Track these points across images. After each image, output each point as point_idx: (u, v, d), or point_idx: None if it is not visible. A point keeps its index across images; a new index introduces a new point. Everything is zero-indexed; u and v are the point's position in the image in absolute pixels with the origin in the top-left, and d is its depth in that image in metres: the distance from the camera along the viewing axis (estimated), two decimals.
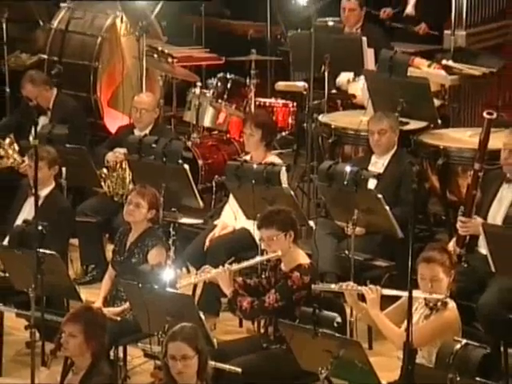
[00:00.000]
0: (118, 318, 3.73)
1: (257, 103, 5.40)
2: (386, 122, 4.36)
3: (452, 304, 3.30)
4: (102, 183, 4.78)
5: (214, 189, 5.08)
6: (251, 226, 4.12)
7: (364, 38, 4.96)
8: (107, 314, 3.56)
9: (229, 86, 5.41)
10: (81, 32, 5.81)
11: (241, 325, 4.21)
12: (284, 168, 4.16)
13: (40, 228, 3.58)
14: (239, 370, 3.31)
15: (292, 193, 4.10)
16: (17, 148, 4.97)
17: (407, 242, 3.01)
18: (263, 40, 6.10)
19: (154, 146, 4.40)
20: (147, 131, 4.89)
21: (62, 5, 5.95)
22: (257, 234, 3.88)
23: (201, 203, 4.43)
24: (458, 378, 2.91)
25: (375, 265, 4.12)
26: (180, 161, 4.39)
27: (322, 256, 4.14)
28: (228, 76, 5.45)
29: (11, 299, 3.90)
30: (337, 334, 3.06)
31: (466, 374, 2.93)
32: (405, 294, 3.12)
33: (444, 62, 5.12)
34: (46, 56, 5.86)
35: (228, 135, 5.40)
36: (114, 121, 5.74)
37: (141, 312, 3.46)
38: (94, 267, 4.73)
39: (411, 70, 4.74)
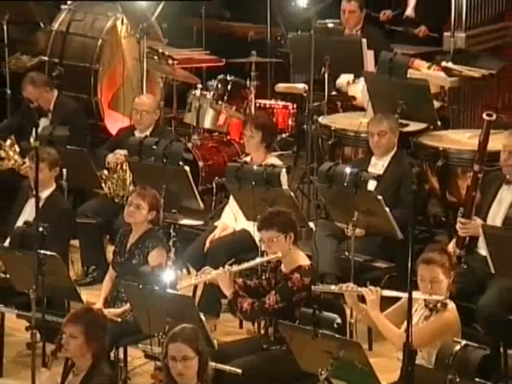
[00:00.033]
0: (119, 319, 3.74)
1: (257, 105, 5.41)
2: (385, 123, 4.37)
3: (452, 305, 3.31)
4: (103, 185, 4.79)
5: (215, 190, 5.08)
6: (251, 227, 4.13)
7: (364, 40, 4.97)
8: (108, 315, 3.56)
9: (229, 87, 5.42)
10: (81, 34, 5.82)
11: (241, 326, 4.21)
12: (284, 169, 4.17)
13: (41, 229, 3.59)
14: (239, 371, 3.32)
15: (292, 194, 4.11)
16: (17, 149, 4.98)
17: (407, 243, 3.01)
18: (263, 42, 6.11)
19: (154, 147, 4.41)
20: (148, 133, 4.90)
21: (63, 7, 5.96)
22: (257, 236, 3.89)
23: (201, 205, 4.44)
24: (458, 379, 2.92)
25: (375, 266, 4.13)
26: (180, 162, 4.40)
27: (322, 257, 4.15)
28: (228, 78, 5.46)
29: (12, 300, 3.91)
30: (337, 335, 3.07)
31: (466, 375, 2.94)
32: (405, 295, 3.13)
33: (444, 63, 5.13)
34: (46, 58, 5.88)
35: (228, 137, 5.40)
36: (114, 122, 5.75)
37: (141, 313, 3.46)
38: (94, 268, 4.74)
39: (411, 72, 4.75)
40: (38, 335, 3.55)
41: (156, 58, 5.57)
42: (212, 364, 3.09)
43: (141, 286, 3.41)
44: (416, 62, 5.00)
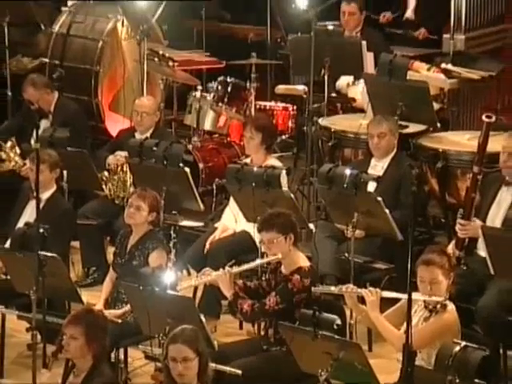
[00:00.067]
0: (119, 321, 3.74)
1: (257, 106, 5.42)
2: (385, 125, 4.38)
3: (451, 306, 3.31)
4: (103, 186, 4.80)
5: (215, 192, 5.09)
6: (251, 228, 4.14)
7: (364, 42, 4.97)
8: (108, 316, 3.57)
9: (229, 89, 5.43)
10: (82, 36, 5.83)
11: (241, 327, 4.22)
12: (284, 171, 4.17)
13: (41, 231, 3.61)
14: (239, 372, 3.32)
15: (292, 196, 4.12)
16: (18, 151, 4.99)
17: (407, 244, 3.02)
18: (263, 44, 6.11)
19: (154, 149, 4.42)
20: (148, 134, 4.91)
21: (64, 9, 5.97)
22: (257, 237, 3.90)
23: (201, 206, 4.44)
24: (457, 380, 2.93)
25: (375, 267, 4.14)
26: (181, 164, 4.41)
27: (322, 258, 4.16)
28: (228, 79, 5.46)
29: (13, 301, 3.92)
30: (337, 336, 3.07)
31: (465, 376, 2.95)
32: (404, 296, 3.13)
33: (443, 65, 5.13)
34: (47, 60, 5.88)
35: (228, 138, 5.41)
36: (115, 124, 5.76)
37: (142, 314, 3.47)
38: (95, 270, 4.74)
39: (410, 74, 4.76)
40: (39, 336, 3.56)
41: (156, 59, 5.58)
42: (212, 365, 3.10)
43: (141, 288, 3.41)
44: (415, 64, 5.01)
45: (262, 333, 3.64)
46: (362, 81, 4.94)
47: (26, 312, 3.75)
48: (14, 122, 5.44)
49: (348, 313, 3.58)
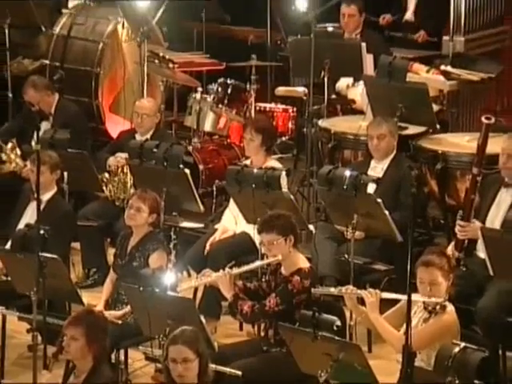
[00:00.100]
0: (120, 322, 3.75)
1: (257, 108, 5.43)
2: (385, 126, 4.38)
3: (451, 307, 3.32)
4: (104, 188, 4.81)
5: (215, 193, 5.10)
6: (251, 230, 4.15)
7: (363, 44, 4.98)
8: (109, 318, 3.58)
9: (229, 91, 5.44)
10: (83, 38, 5.84)
11: (241, 328, 4.23)
12: (284, 172, 4.18)
13: (42, 232, 3.61)
14: (239, 373, 3.33)
15: (292, 197, 4.13)
16: (19, 153, 5.00)
17: (406, 245, 3.01)
18: (263, 45, 6.12)
19: (155, 150, 4.43)
20: (148, 136, 4.92)
21: (64, 11, 5.98)
22: (257, 238, 3.91)
23: (201, 207, 4.45)
24: (457, 381, 2.94)
25: (374, 268, 4.15)
26: (181, 165, 4.41)
27: (322, 260, 4.16)
28: (228, 81, 5.47)
29: (13, 303, 3.92)
30: (336, 338, 3.08)
31: (465, 377, 2.96)
32: (404, 297, 3.14)
33: (443, 67, 5.14)
34: (48, 61, 5.89)
35: (228, 140, 5.42)
36: (115, 126, 5.77)
37: (142, 315, 3.48)
38: (95, 271, 4.75)
39: (410, 76, 4.77)
40: (39, 337, 3.57)
41: (156, 61, 5.59)
42: (212, 366, 3.10)
43: (141, 289, 3.42)
44: (415, 66, 5.02)
45: (262, 334, 3.64)
46: (361, 82, 4.95)
47: (26, 313, 3.76)
48: (15, 124, 5.45)
49: (348, 314, 3.59)
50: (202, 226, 4.73)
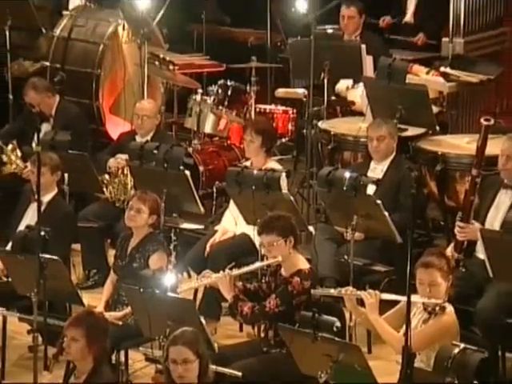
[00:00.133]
0: (120, 323, 3.76)
1: (257, 110, 5.43)
2: (384, 128, 4.39)
3: (450, 308, 3.33)
4: (104, 189, 4.81)
5: (215, 194, 5.10)
6: (251, 231, 4.15)
7: (363, 46, 4.99)
8: (109, 319, 3.59)
9: (229, 92, 5.45)
10: (83, 39, 5.84)
11: (241, 329, 4.23)
12: (284, 174, 4.19)
13: (42, 233, 3.62)
14: (240, 373, 3.34)
15: (292, 198, 4.13)
16: (19, 154, 5.00)
17: (406, 247, 3.02)
18: (263, 47, 6.13)
19: (155, 152, 4.44)
20: (149, 137, 4.93)
21: (65, 13, 5.99)
22: (257, 240, 3.91)
23: (201, 209, 4.46)
24: (456, 382, 2.94)
25: (374, 270, 4.15)
26: (181, 167, 4.42)
27: (322, 261, 4.17)
28: (228, 83, 5.48)
29: (14, 304, 3.93)
30: (336, 339, 3.09)
31: (464, 378, 2.97)
32: (403, 298, 3.15)
33: (442, 69, 5.15)
34: (48, 63, 5.89)
35: (228, 141, 5.43)
36: (115, 127, 5.77)
37: (142, 316, 3.49)
38: (95, 272, 4.76)
39: (410, 77, 4.77)
40: (40, 338, 3.58)
41: (157, 63, 5.60)
42: (212, 367, 3.11)
43: (142, 290, 3.43)
44: (415, 68, 5.03)
45: (262, 335, 3.65)
46: (361, 84, 4.96)
47: (27, 314, 3.76)
48: (16, 126, 5.45)
49: (347, 315, 3.60)
50: (202, 227, 4.73)
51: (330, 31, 5.31)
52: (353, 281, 3.88)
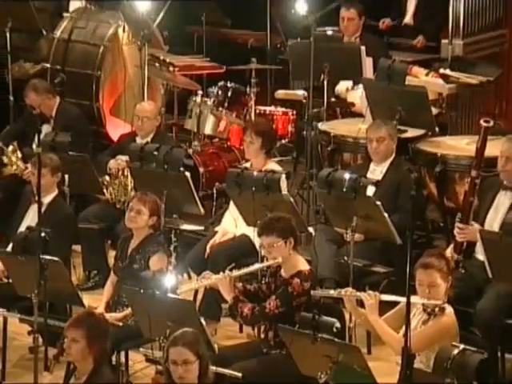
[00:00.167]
0: (120, 324, 3.76)
1: (257, 111, 5.44)
2: (384, 129, 4.40)
3: (450, 309, 3.34)
4: (105, 190, 4.82)
5: (215, 196, 5.11)
6: (251, 232, 4.16)
7: (363, 47, 5.00)
8: (109, 320, 3.59)
9: (229, 94, 5.46)
10: (83, 41, 5.86)
11: (241, 330, 4.24)
12: (284, 175, 4.20)
13: (43, 234, 3.63)
14: (240, 374, 3.35)
15: (292, 200, 4.14)
16: (20, 155, 5.01)
17: (405, 248, 3.03)
18: (263, 49, 6.14)
19: (155, 153, 4.45)
20: (149, 139, 4.94)
21: (65, 14, 6.01)
22: (257, 241, 3.92)
23: (202, 210, 4.47)
24: (456, 383, 2.95)
25: (374, 271, 4.16)
26: (181, 168, 4.43)
27: (322, 262, 4.18)
28: (228, 84, 5.49)
29: (15, 305, 3.94)
30: (336, 340, 3.09)
31: (464, 379, 2.97)
32: (403, 299, 3.16)
33: (442, 70, 5.16)
34: (49, 65, 5.91)
35: (228, 143, 5.44)
36: (116, 129, 5.78)
37: (142, 317, 3.49)
38: (96, 273, 4.77)
39: (409, 79, 4.78)
40: (41, 339, 3.58)
41: (157, 64, 5.61)
42: (212, 368, 3.12)
43: (142, 291, 3.44)
44: (414, 69, 5.04)
45: (262, 336, 3.65)
46: (361, 86, 4.97)
47: (27, 315, 3.77)
48: (16, 127, 5.47)
49: (347, 316, 3.60)
50: (202, 228, 4.74)
51: (329, 33, 5.32)
52: (352, 282, 3.88)
